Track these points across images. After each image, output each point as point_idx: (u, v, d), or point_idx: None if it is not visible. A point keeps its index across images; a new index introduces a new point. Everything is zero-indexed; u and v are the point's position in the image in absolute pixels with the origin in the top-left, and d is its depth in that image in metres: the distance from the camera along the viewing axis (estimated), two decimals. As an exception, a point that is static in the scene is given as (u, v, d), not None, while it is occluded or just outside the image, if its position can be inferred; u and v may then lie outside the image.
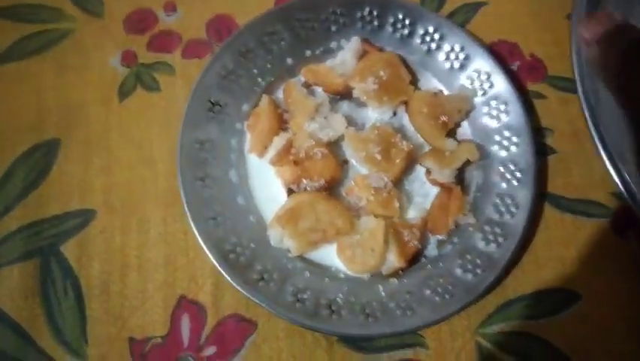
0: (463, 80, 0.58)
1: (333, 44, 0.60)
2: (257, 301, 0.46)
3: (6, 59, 0.58)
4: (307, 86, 0.58)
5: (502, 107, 0.56)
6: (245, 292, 0.46)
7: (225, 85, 0.55)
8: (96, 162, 0.54)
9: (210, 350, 0.48)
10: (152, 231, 0.52)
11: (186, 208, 0.49)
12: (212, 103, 0.54)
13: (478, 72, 0.57)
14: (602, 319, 0.51)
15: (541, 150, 0.57)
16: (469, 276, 0.49)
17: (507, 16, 0.64)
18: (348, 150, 0.54)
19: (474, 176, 0.56)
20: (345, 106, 0.58)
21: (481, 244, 0.51)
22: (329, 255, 0.52)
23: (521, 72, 0.61)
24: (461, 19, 0.64)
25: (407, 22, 0.59)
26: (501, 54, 0.62)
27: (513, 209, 0.52)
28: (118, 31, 0.60)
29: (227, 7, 0.62)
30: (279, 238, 0.50)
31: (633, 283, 0.52)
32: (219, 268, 0.47)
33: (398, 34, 0.60)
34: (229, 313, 0.49)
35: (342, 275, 0.51)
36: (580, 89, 0.55)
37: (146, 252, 0.51)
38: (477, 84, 0.58)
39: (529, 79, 0.61)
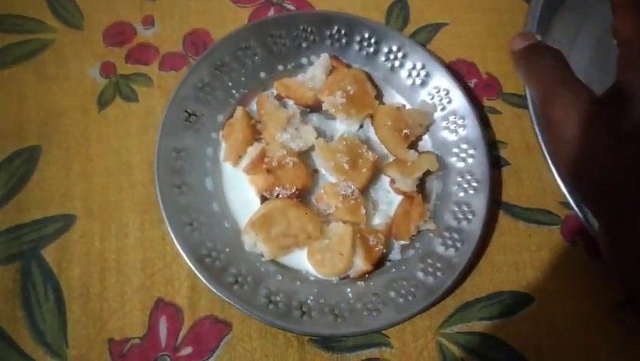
0: (424, 95, 0.62)
1: (304, 60, 0.63)
2: (232, 303, 0.48)
3: (-13, 67, 0.59)
4: (279, 98, 0.60)
5: (460, 121, 0.60)
6: (220, 295, 0.48)
7: (201, 96, 0.57)
8: (76, 169, 0.55)
9: (187, 350, 0.49)
10: (131, 236, 0.53)
11: (164, 214, 0.50)
12: (188, 113, 0.56)
13: (438, 89, 0.61)
14: (553, 319, 0.55)
15: (495, 161, 0.62)
16: (430, 279, 0.53)
17: (466, 36, 0.68)
18: (318, 160, 0.57)
19: (434, 185, 0.59)
20: (314, 118, 0.61)
21: (440, 249, 0.55)
22: (300, 259, 0.54)
23: (478, 89, 0.66)
24: (423, 38, 0.68)
25: (372, 40, 0.63)
26: (460, 72, 0.66)
27: (470, 216, 0.56)
28: (97, 43, 0.61)
29: (203, 22, 0.64)
30: (253, 242, 0.52)
31: (581, 287, 0.56)
32: (196, 272, 0.49)
33: (364, 52, 0.63)
34: (205, 315, 0.51)
35: (312, 278, 0.54)
36: (530, 105, 0.59)
37: (124, 256, 0.52)
38: (437, 100, 0.62)
39: (485, 95, 0.65)
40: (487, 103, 0.65)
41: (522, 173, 0.62)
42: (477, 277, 0.56)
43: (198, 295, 0.52)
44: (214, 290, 0.48)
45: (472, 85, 0.66)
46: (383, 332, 0.52)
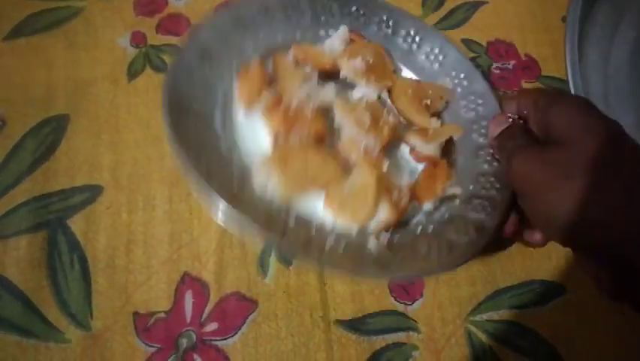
0: (442, 77, 0.60)
1: (322, 32, 0.61)
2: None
3: (17, 34, 0.58)
4: (296, 62, 0.58)
5: (480, 100, 0.58)
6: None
7: (217, 46, 0.54)
8: (104, 139, 0.54)
9: (212, 326, 0.48)
10: (158, 209, 0.52)
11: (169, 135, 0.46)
12: (204, 51, 0.53)
13: (455, 70, 0.60)
14: (584, 309, 0.53)
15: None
16: (462, 238, 0.48)
17: (505, 15, 0.67)
18: (338, 115, 0.53)
19: (455, 159, 0.56)
20: (330, 90, 0.57)
21: (470, 213, 0.51)
22: (316, 209, 0.49)
23: (516, 71, 0.64)
24: (461, 16, 0.66)
25: (390, 22, 0.62)
26: (498, 52, 0.64)
27: (497, 185, 0.52)
28: (128, 11, 0.61)
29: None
30: (265, 181, 0.47)
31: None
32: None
33: (382, 33, 0.62)
34: (231, 292, 0.50)
35: (328, 229, 0.48)
36: (572, 90, 0.57)
37: (151, 229, 0.51)
38: (455, 81, 0.60)
39: (524, 78, 0.64)
40: (525, 85, 0.63)
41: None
42: (508, 265, 0.54)
43: (225, 272, 0.50)
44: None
45: (510, 67, 0.64)
46: (411, 316, 0.50)
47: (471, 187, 0.53)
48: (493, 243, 0.49)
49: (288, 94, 0.52)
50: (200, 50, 0.53)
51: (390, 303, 0.51)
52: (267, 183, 0.47)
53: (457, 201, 0.52)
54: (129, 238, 0.51)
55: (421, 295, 0.52)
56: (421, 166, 0.55)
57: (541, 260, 0.55)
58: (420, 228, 0.50)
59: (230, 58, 0.55)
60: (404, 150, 0.56)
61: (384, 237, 0.48)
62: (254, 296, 0.50)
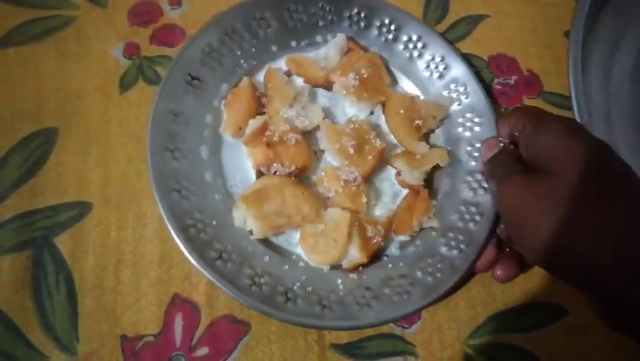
0: (440, 88, 0.59)
1: (319, 38, 0.60)
2: (212, 278, 0.45)
3: (6, 44, 0.55)
4: (289, 74, 0.58)
5: (476, 119, 0.57)
6: (201, 269, 0.45)
7: (207, 61, 0.54)
8: (94, 154, 0.52)
9: (203, 351, 0.47)
10: (149, 227, 0.50)
11: (151, 176, 0.47)
12: (191, 77, 0.53)
13: (456, 82, 0.58)
14: (586, 333, 0.52)
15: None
16: (429, 279, 0.49)
17: (507, 30, 0.65)
18: (323, 141, 0.54)
19: (442, 182, 0.56)
20: (323, 99, 0.58)
21: (443, 249, 0.51)
22: (291, 242, 0.51)
23: (518, 86, 0.62)
24: (463, 30, 0.64)
25: (392, 27, 0.60)
26: (500, 67, 0.63)
27: (477, 217, 0.52)
28: (121, 22, 0.59)
29: (232, 3, 0.61)
30: (243, 218, 0.49)
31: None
32: (177, 242, 0.46)
33: (383, 38, 0.60)
34: (223, 314, 0.48)
35: (302, 264, 0.50)
36: (575, 107, 0.56)
37: (141, 248, 0.50)
38: (454, 94, 0.58)
39: (525, 93, 0.62)
40: (526, 102, 0.62)
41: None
42: (508, 286, 0.53)
43: (217, 293, 0.49)
44: (194, 263, 0.45)
45: (512, 82, 0.62)
46: (409, 340, 0.50)
47: (451, 217, 0.54)
48: (460, 284, 0.51)
49: (274, 120, 0.52)
50: (186, 76, 0.53)
51: (388, 326, 0.50)
52: (245, 221, 0.49)
53: (433, 234, 0.53)
54: (118, 257, 0.49)
55: (419, 318, 0.51)
56: (403, 191, 0.56)
57: (543, 282, 0.54)
58: (390, 265, 0.52)
59: (219, 81, 0.55)
60: (390, 171, 0.57)
61: (353, 277, 0.50)
62: (246, 319, 0.49)
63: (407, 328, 0.51)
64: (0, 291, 0.47)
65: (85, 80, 0.56)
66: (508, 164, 0.47)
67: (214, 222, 0.49)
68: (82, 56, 0.57)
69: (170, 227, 0.46)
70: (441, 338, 0.50)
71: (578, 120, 0.56)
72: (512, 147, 0.49)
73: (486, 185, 0.54)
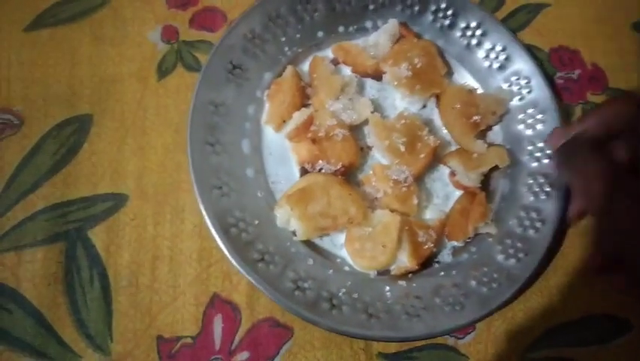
0: (500, 81, 0.55)
1: (369, 24, 0.56)
2: (254, 281, 0.43)
3: (39, 25, 0.54)
4: (335, 63, 0.55)
5: (539, 115, 0.53)
6: (242, 271, 0.43)
7: (250, 48, 0.51)
8: (130, 143, 0.50)
9: (243, 356, 0.45)
10: (187, 222, 0.48)
11: (191, 172, 0.45)
12: (233, 65, 0.50)
13: (518, 75, 0.54)
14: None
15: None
16: (484, 289, 0.46)
17: (570, 20, 0.61)
18: (371, 137, 0.51)
19: (500, 184, 0.52)
20: (373, 90, 0.55)
21: (499, 257, 0.48)
22: (336, 245, 0.49)
23: (582, 81, 0.58)
24: (522, 19, 0.60)
25: (449, 12, 0.56)
26: (562, 60, 0.58)
27: (538, 224, 0.49)
28: (159, 4, 0.56)
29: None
30: (286, 218, 0.47)
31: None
32: (219, 242, 0.44)
33: (438, 24, 0.56)
34: (264, 317, 0.46)
35: (347, 268, 0.48)
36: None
37: (179, 244, 0.48)
38: (515, 87, 0.54)
39: (590, 89, 0.58)
40: (590, 98, 0.57)
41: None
42: (569, 297, 0.49)
43: (258, 294, 0.46)
44: (235, 264, 0.43)
45: (574, 76, 0.58)
46: (462, 351, 0.47)
47: (509, 223, 0.50)
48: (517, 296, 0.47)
49: (320, 114, 0.49)
50: (228, 64, 0.50)
51: (440, 336, 0.47)
52: (289, 221, 0.47)
53: (490, 240, 0.50)
54: (155, 253, 0.47)
55: (474, 328, 0.48)
56: (457, 192, 0.52)
57: (606, 292, 0.50)
58: (442, 273, 0.49)
59: (262, 70, 0.52)
60: (443, 170, 0.53)
61: (402, 284, 0.47)
62: (289, 323, 0.46)
63: (461, 338, 0.47)
64: (32, 285, 0.45)
65: (121, 64, 0.53)
66: (589, 154, 0.42)
67: (256, 222, 0.46)
68: (118, 39, 0.54)
69: (211, 226, 0.44)
70: (497, 351, 0.47)
71: None
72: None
73: (549, 189, 0.50)
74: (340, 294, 0.45)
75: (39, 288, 0.45)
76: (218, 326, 0.45)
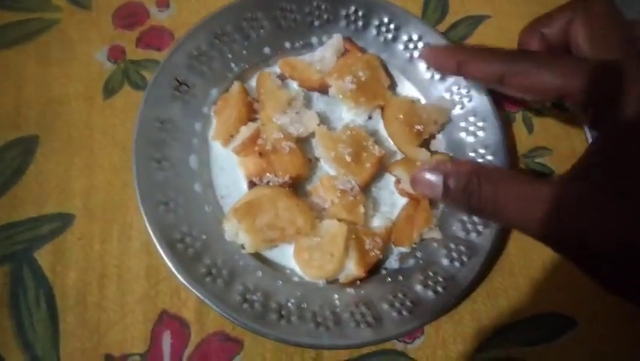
0: (442, 91, 0.56)
1: (314, 39, 0.57)
2: (201, 296, 0.43)
3: (-16, 48, 0.53)
4: (282, 78, 0.55)
5: (480, 123, 0.54)
6: (189, 286, 0.43)
7: (195, 65, 0.52)
8: (76, 163, 0.50)
9: None
10: (134, 239, 0.48)
11: (136, 188, 0.45)
12: (179, 82, 0.51)
13: (458, 85, 0.56)
14: (597, 345, 0.50)
15: (540, 170, 0.57)
16: (430, 293, 0.47)
17: (509, 30, 0.63)
18: (318, 148, 0.51)
19: None
20: (319, 103, 0.56)
21: (444, 261, 0.49)
22: (285, 256, 0.49)
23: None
24: (463, 31, 0.62)
25: (392, 26, 0.57)
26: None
27: (480, 228, 0.50)
28: (106, 24, 0.56)
29: (222, 4, 0.58)
30: (234, 231, 0.47)
31: (630, 309, 0.50)
32: (164, 257, 0.44)
33: (382, 38, 0.58)
34: (214, 331, 0.46)
35: (296, 279, 0.48)
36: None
37: (126, 261, 0.47)
38: (456, 97, 0.56)
39: (529, 96, 0.59)
40: (531, 104, 0.59)
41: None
42: (515, 297, 0.51)
43: (207, 309, 0.46)
44: (182, 280, 0.43)
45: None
46: (411, 356, 0.47)
47: (453, 228, 0.51)
48: (463, 298, 0.49)
49: (267, 127, 0.50)
50: (173, 81, 0.51)
51: (389, 341, 0.47)
52: (237, 234, 0.47)
53: (435, 245, 0.51)
54: (102, 271, 0.47)
55: (422, 333, 0.49)
56: (403, 200, 0.53)
57: (551, 291, 0.51)
58: (389, 279, 0.49)
59: (209, 86, 0.53)
60: (389, 179, 0.54)
61: (350, 292, 0.48)
62: (239, 336, 0.46)
63: (409, 343, 0.48)
64: None
65: (67, 85, 0.53)
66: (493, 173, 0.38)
67: (203, 236, 0.47)
68: (64, 61, 0.54)
69: (156, 242, 0.44)
70: (446, 354, 0.48)
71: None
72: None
73: None
74: (289, 304, 0.45)
75: (-17, 311, 0.44)
76: (167, 342, 0.45)
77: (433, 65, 0.49)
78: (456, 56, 0.45)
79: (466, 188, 0.38)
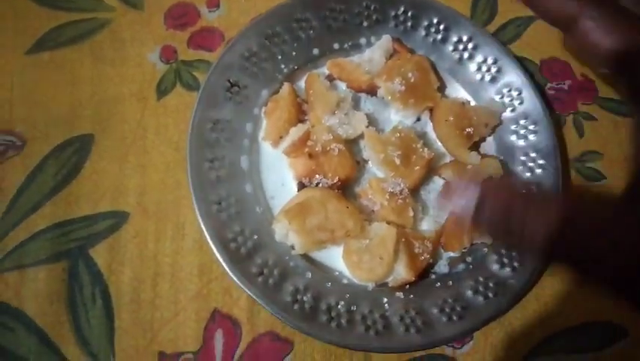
0: (492, 93, 0.56)
1: (363, 40, 0.57)
2: (253, 296, 0.43)
3: (40, 47, 0.54)
4: (331, 79, 0.55)
5: (531, 126, 0.53)
6: (241, 285, 0.44)
7: (247, 67, 0.52)
8: (131, 161, 0.51)
9: None
10: (188, 238, 0.49)
11: (191, 187, 0.46)
12: (231, 83, 0.51)
13: (510, 87, 0.55)
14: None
15: (591, 175, 0.56)
16: (480, 299, 0.47)
17: (559, 32, 0.62)
18: (367, 150, 0.51)
19: None
20: (368, 105, 0.56)
21: (495, 267, 0.49)
22: (334, 258, 0.49)
23: (572, 92, 0.59)
24: (512, 32, 0.61)
25: (441, 27, 0.57)
26: (552, 72, 0.59)
27: None
28: (158, 24, 0.57)
29: (271, 4, 0.58)
30: (285, 233, 0.47)
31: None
32: (218, 256, 0.44)
33: (431, 39, 0.57)
34: (265, 331, 0.46)
35: (345, 281, 0.48)
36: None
37: (180, 260, 0.48)
38: (507, 99, 0.55)
39: (580, 99, 0.59)
40: (581, 108, 0.58)
41: (619, 189, 0.55)
42: (566, 304, 0.50)
43: (258, 308, 0.46)
44: (235, 279, 0.44)
45: (565, 87, 0.59)
46: None
47: None
48: (513, 304, 0.48)
49: (317, 129, 0.50)
50: (225, 82, 0.51)
51: (438, 346, 0.47)
52: (287, 235, 0.47)
53: (485, 250, 0.50)
54: (156, 270, 0.48)
55: (472, 338, 0.48)
56: None
57: (602, 299, 0.50)
58: (439, 284, 0.49)
59: (259, 87, 0.53)
60: (438, 182, 0.54)
61: (400, 296, 0.48)
62: (289, 336, 0.47)
63: (459, 348, 0.48)
64: (35, 303, 0.46)
65: (121, 85, 0.54)
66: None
67: (255, 236, 0.47)
68: (117, 60, 0.55)
69: (210, 241, 0.45)
70: (494, 359, 0.48)
71: None
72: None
73: None
74: (339, 307, 0.45)
75: (42, 307, 0.45)
76: (219, 341, 0.46)
77: None
78: None
79: None
